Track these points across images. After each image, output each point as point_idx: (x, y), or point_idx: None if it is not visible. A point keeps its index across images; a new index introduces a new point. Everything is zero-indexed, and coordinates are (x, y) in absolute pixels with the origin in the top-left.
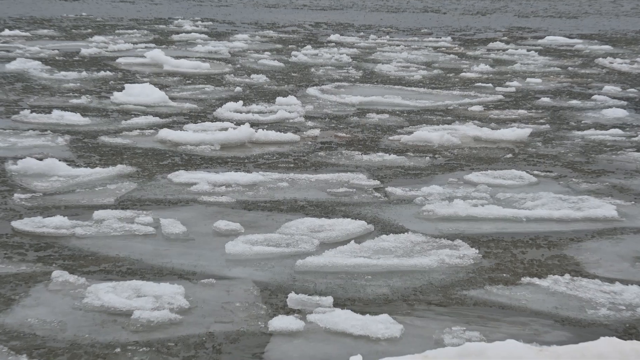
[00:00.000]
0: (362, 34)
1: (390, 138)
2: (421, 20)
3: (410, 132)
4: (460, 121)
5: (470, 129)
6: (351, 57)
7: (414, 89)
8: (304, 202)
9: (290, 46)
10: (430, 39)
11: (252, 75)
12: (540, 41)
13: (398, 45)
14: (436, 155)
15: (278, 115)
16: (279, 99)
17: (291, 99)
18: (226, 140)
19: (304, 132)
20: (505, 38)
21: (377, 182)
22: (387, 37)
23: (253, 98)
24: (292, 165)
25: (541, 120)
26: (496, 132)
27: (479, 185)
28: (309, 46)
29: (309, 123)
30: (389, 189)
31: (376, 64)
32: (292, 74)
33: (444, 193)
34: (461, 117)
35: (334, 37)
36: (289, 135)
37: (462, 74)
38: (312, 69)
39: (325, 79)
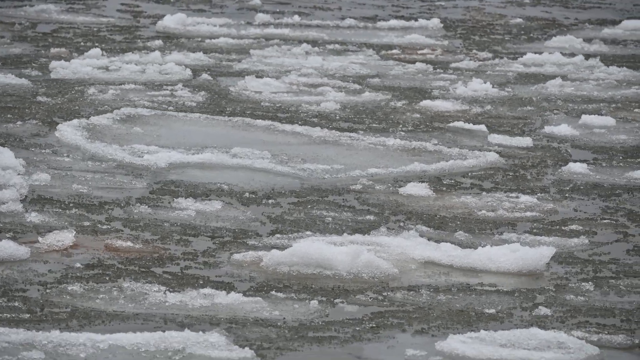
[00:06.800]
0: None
1: (236, 257)
2: None
3: (282, 247)
4: (389, 222)
5: (412, 245)
6: (192, 69)
7: (311, 130)
8: None
9: (52, 49)
10: (396, 23)
11: None
12: (609, 31)
13: (311, 45)
14: (341, 302)
15: None
16: None
17: (1, 154)
18: None
19: (41, 238)
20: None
21: (245, 353)
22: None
23: None
24: (34, 317)
25: (579, 223)
26: (472, 253)
27: None
28: (96, 50)
29: (43, 217)
30: None
31: (243, 78)
32: (40, 99)
33: None
34: (394, 209)
35: (163, 23)
36: (6, 247)
37: (425, 103)
38: (92, 90)
39: (109, 106)
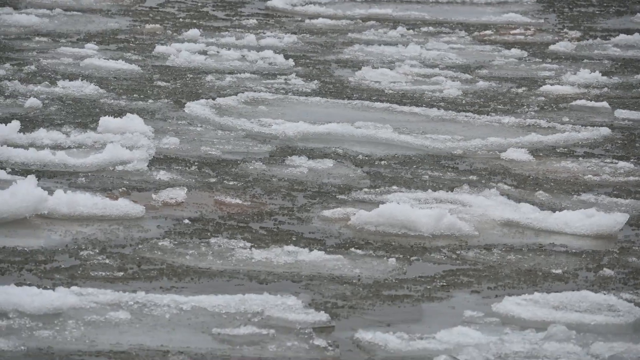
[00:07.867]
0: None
1: (326, 213)
2: None
3: (374, 203)
4: (479, 185)
5: (493, 205)
6: (292, 57)
7: (428, 111)
8: None
9: (147, 25)
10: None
11: (63, 82)
12: None
13: (405, 27)
14: (417, 259)
15: (104, 155)
16: (105, 122)
17: (131, 120)
18: None
19: (155, 195)
20: None
21: (320, 317)
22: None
23: (59, 119)
24: (127, 275)
25: None
26: (550, 217)
27: (551, 327)
28: (195, 31)
29: (167, 175)
30: (360, 335)
31: (355, 69)
32: (159, 84)
33: (483, 344)
34: (487, 172)
35: (272, 3)
36: (122, 205)
37: (546, 87)
38: (210, 77)
39: (231, 91)
